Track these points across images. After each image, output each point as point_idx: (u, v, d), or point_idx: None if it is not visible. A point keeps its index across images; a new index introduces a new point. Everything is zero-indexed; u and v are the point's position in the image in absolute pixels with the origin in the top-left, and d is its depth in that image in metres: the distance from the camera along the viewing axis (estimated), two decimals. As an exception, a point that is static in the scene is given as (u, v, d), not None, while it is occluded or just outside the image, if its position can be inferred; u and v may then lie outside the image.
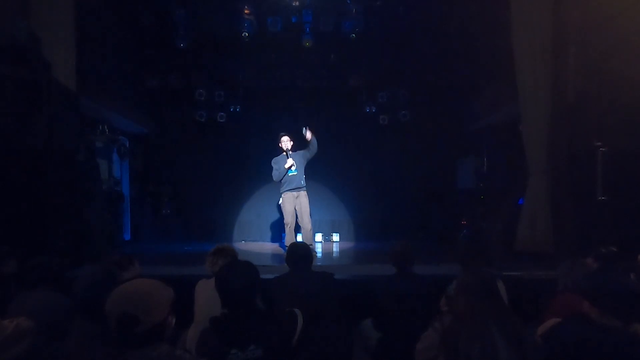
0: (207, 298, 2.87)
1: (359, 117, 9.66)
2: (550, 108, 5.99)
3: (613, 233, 4.91)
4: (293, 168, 6.41)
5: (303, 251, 3.59)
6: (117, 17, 7.86)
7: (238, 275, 2.22)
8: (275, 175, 6.50)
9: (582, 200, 5.65)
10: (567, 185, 5.95)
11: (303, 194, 6.50)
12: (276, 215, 9.21)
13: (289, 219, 6.48)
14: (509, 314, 2.21)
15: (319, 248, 8.09)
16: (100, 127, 8.00)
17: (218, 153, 9.59)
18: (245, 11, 7.85)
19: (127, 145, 9.05)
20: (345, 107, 9.59)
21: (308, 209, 6.46)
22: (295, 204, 6.47)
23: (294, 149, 6.57)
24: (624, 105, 5.15)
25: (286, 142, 6.50)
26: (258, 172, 8.75)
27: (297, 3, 7.72)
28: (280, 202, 6.67)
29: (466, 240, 8.29)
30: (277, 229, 9.26)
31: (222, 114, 9.50)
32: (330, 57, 9.06)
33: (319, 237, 9.03)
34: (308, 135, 6.46)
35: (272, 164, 6.58)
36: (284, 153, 6.50)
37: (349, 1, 7.79)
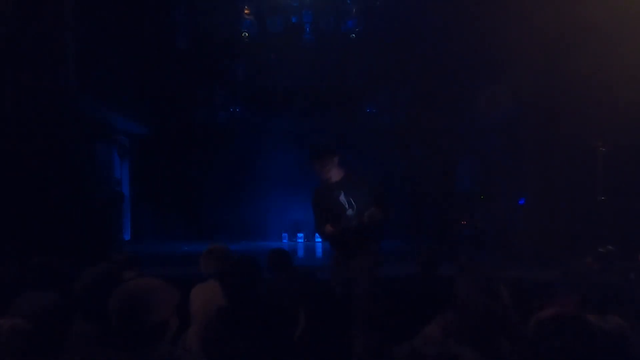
0: (203, 302, 2.87)
1: (359, 117, 9.66)
2: (550, 108, 6.00)
3: (613, 233, 4.91)
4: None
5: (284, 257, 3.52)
6: (118, 17, 7.86)
7: (242, 272, 2.25)
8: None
9: (582, 200, 5.66)
10: (567, 185, 5.96)
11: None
12: (276, 215, 9.21)
13: None
14: (509, 313, 2.22)
15: (319, 248, 8.09)
16: (101, 127, 8.00)
17: (218, 153, 9.59)
18: (245, 11, 7.87)
19: (127, 145, 9.05)
20: (345, 107, 9.59)
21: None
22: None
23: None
24: (624, 105, 5.16)
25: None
26: (258, 172, 8.75)
27: (297, 3, 7.73)
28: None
29: (466, 240, 8.30)
30: (278, 229, 9.27)
31: (222, 114, 9.51)
32: (330, 57, 9.07)
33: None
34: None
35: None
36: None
37: (349, 1, 7.80)
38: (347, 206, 3.40)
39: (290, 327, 2.23)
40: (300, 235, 9.16)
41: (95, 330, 2.17)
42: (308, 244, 8.91)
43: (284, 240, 9.25)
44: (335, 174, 3.53)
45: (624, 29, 5.10)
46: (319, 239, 8.86)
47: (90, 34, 6.60)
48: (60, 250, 4.84)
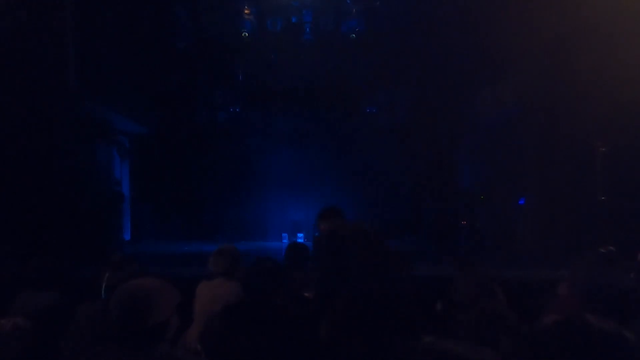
0: (208, 299, 2.88)
1: (359, 117, 9.66)
2: (550, 108, 6.00)
3: (613, 233, 4.91)
4: None
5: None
6: (118, 17, 7.85)
7: (262, 271, 2.28)
8: None
9: (582, 200, 5.66)
10: (567, 185, 5.96)
11: None
12: (276, 215, 9.21)
13: None
14: (508, 312, 2.22)
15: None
16: (101, 127, 7.99)
17: (218, 153, 9.59)
18: (245, 11, 7.88)
19: (127, 145, 9.04)
20: (345, 107, 9.59)
21: None
22: None
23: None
24: (624, 105, 5.16)
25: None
26: (258, 172, 8.75)
27: (297, 3, 7.74)
28: None
29: (466, 240, 8.30)
30: (278, 229, 9.27)
31: (222, 114, 9.51)
32: (330, 57, 9.07)
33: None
34: None
35: None
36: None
37: (349, 1, 7.81)
38: None
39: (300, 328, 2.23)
40: (300, 235, 9.16)
41: (96, 330, 2.17)
42: (308, 244, 8.91)
43: (284, 241, 9.25)
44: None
45: (624, 29, 5.10)
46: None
47: (90, 35, 6.61)
48: (61, 250, 4.85)
